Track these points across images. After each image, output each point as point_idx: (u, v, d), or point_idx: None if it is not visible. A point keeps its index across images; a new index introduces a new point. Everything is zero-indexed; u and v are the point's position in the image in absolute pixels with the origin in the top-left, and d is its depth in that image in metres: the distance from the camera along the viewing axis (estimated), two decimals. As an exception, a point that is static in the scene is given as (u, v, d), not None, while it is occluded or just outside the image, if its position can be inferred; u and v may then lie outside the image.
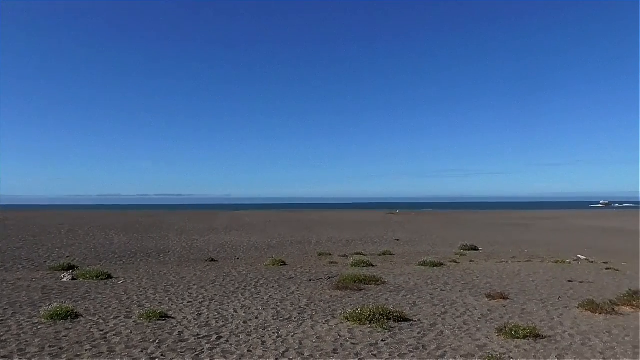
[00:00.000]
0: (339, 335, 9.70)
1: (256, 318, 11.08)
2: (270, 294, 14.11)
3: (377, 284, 15.78)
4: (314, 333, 9.86)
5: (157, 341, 9.08)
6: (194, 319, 10.90)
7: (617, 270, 20.45)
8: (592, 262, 23.78)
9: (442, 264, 21.12)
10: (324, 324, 10.62)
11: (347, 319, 10.73)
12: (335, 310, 11.92)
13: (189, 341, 9.15)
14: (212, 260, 23.42)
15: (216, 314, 11.48)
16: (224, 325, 10.36)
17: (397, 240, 38.15)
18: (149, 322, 10.50)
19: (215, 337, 9.47)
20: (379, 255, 26.24)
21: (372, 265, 20.78)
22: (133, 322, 10.55)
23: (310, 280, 16.60)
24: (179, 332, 9.79)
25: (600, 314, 11.67)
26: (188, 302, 12.75)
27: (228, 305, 12.41)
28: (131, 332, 9.67)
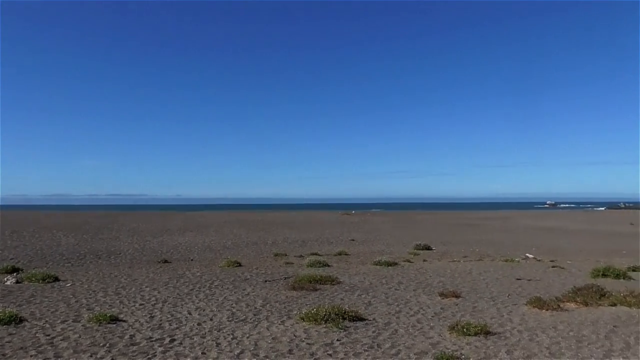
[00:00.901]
0: (294, 335, 9.69)
1: (211, 320, 10.94)
2: (225, 295, 13.96)
3: (333, 284, 15.87)
4: (269, 334, 9.81)
5: (108, 345, 8.83)
6: (146, 322, 10.65)
7: (562, 268, 21.28)
8: (539, 260, 24.66)
9: (396, 264, 21.43)
10: (279, 324, 10.59)
11: (303, 319, 10.74)
12: (291, 311, 11.91)
13: (141, 344, 8.94)
14: (166, 261, 22.96)
15: (169, 316, 11.26)
16: (177, 328, 10.17)
17: (353, 240, 38.46)
18: (99, 325, 10.19)
19: (168, 339, 9.28)
20: (335, 255, 26.39)
21: (328, 266, 20.87)
22: (82, 326, 10.21)
23: (266, 281, 16.53)
24: (130, 335, 9.55)
25: (546, 310, 12.12)
26: (140, 305, 12.45)
27: (182, 307, 12.20)
28: (80, 337, 9.36)
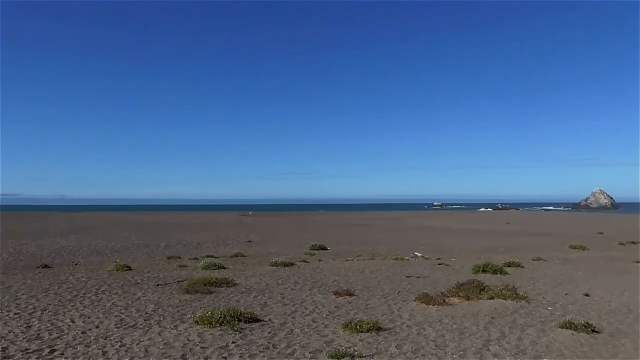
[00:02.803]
0: (188, 340, 9.41)
1: (97, 327, 10.30)
2: (113, 300, 13.21)
3: (229, 286, 15.64)
4: (161, 339, 9.44)
5: (-24, 360, 8.00)
6: (22, 332, 9.79)
7: (447, 265, 22.66)
8: (427, 258, 26.06)
9: (292, 264, 21.59)
10: (172, 329, 10.23)
11: (197, 323, 10.46)
12: (185, 315, 11.55)
13: (16, 357, 8.20)
14: (46, 266, 21.26)
15: (49, 325, 10.44)
16: (58, 337, 9.46)
17: (250, 241, 38.19)
18: (-34, 339, 9.20)
19: (47, 350, 8.60)
20: (231, 257, 26.01)
21: (224, 268, 20.53)
22: (-56, 340, 9.16)
23: (158, 285, 15.89)
24: (2, 347, 8.72)
25: (433, 305, 12.84)
26: (15, 314, 11.42)
27: (64, 315, 11.36)
28: (-58, 352, 8.39)
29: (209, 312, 10.70)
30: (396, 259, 24.84)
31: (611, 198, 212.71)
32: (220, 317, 10.38)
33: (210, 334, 9.81)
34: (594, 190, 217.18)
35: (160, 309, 12.18)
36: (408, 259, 24.92)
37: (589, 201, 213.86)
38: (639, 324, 11.34)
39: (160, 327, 10.41)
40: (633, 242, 38.77)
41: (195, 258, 25.06)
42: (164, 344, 9.15)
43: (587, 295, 15.14)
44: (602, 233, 51.32)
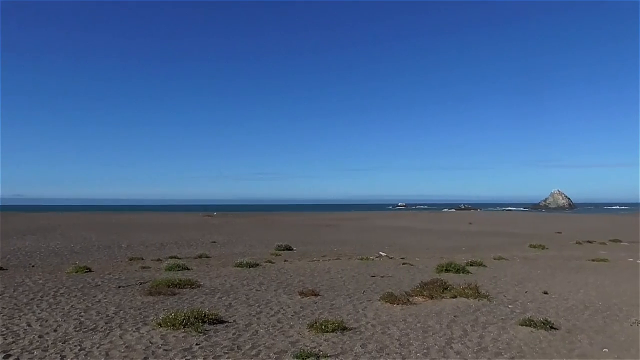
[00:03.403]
0: (150, 342, 9.23)
1: (55, 331, 9.99)
2: (72, 303, 12.84)
3: (193, 288, 15.43)
4: (122, 342, 9.23)
5: None
6: (-25, 338, 9.41)
7: (411, 264, 22.94)
8: (391, 258, 26.31)
9: (257, 265, 21.46)
10: (134, 331, 10.01)
11: (160, 325, 10.27)
12: (147, 317, 11.33)
13: (-32, 363, 7.88)
14: (0, 269, 20.53)
15: (4, 329, 10.06)
16: (14, 342, 9.12)
17: (214, 242, 37.78)
18: None
19: (2, 355, 8.28)
20: (195, 258, 25.67)
21: (188, 269, 20.24)
22: None
23: (119, 287, 15.54)
24: (-46, 354, 8.37)
25: (397, 304, 12.97)
26: (-32, 319, 10.98)
27: (20, 319, 10.97)
28: None
29: (173, 314, 10.52)
30: (361, 259, 25.00)
31: (569, 199, 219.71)
32: (184, 319, 10.22)
33: (174, 336, 9.65)
34: (552, 191, 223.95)
35: (121, 312, 11.91)
36: (373, 259, 25.11)
37: (547, 202, 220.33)
38: (595, 321, 11.72)
39: (121, 329, 10.18)
40: (589, 242, 40.10)
41: (159, 259, 24.63)
42: (126, 347, 8.95)
43: (545, 293, 15.57)
44: (560, 233, 52.90)
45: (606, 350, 9.20)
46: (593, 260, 25.78)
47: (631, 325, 10.98)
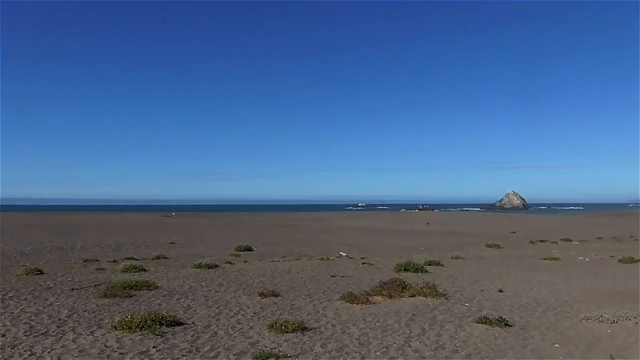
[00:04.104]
0: (105, 346, 8.98)
1: (2, 336, 9.58)
2: (22, 307, 12.35)
3: (150, 289, 15.11)
4: (75, 346, 8.94)
5: None
6: None
7: (371, 264, 23.15)
8: (351, 258, 26.49)
9: (217, 266, 21.20)
10: (88, 335, 9.72)
11: (116, 328, 10.01)
12: (102, 320, 11.02)
13: None
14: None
15: (-52, 335, 9.61)
16: (-41, 348, 8.72)
17: (173, 243, 37.14)
18: None
19: (-54, 363, 7.91)
20: (153, 259, 25.15)
21: (145, 270, 19.80)
22: None
23: (72, 290, 15.06)
24: None
25: (357, 304, 13.05)
26: None
27: (-35, 324, 10.49)
28: None
29: (129, 317, 10.25)
30: (322, 259, 25.06)
31: (523, 199, 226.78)
32: (141, 322, 9.98)
33: (130, 339, 9.42)
34: (507, 192, 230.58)
35: (75, 315, 11.55)
36: (333, 259, 25.21)
37: (503, 202, 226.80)
38: (547, 317, 12.12)
39: (74, 333, 9.86)
40: (542, 241, 41.46)
41: (114, 260, 24.01)
42: (79, 351, 8.68)
43: (500, 291, 16.00)
44: (514, 232, 54.48)
45: (557, 345, 9.51)
46: (545, 259, 26.67)
47: (580, 322, 11.39)
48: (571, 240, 42.27)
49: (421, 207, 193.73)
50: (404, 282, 15.02)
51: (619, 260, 25.44)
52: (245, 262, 24.11)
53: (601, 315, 11.22)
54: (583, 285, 17.49)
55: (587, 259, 27.22)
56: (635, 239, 45.63)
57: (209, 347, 9.08)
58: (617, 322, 10.93)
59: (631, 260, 24.79)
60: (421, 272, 19.97)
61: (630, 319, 11.06)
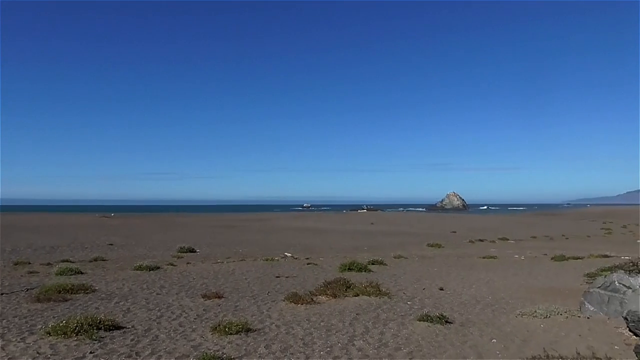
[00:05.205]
0: (37, 352, 8.54)
1: None
2: (-55, 313, 11.59)
3: (87, 293, 14.53)
4: (5, 354, 8.46)
5: None
6: None
7: (316, 264, 23.23)
8: (296, 258, 26.49)
9: (158, 268, 20.67)
10: (19, 342, 9.21)
11: (49, 334, 9.54)
12: (35, 326, 10.48)
13: None
14: None
15: None
16: None
17: (111, 244, 35.89)
18: None
19: None
20: (90, 261, 24.22)
21: (82, 273, 19.04)
22: None
23: (1, 294, 14.26)
24: None
25: (302, 304, 13.06)
26: None
27: None
28: None
29: (64, 322, 9.80)
30: (266, 259, 24.93)
31: (463, 200, 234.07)
32: (77, 326, 9.56)
33: (65, 345, 9.01)
34: (448, 193, 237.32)
35: (4, 321, 10.92)
36: (278, 260, 25.14)
37: (444, 203, 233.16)
38: (485, 314, 12.55)
39: (3, 340, 9.33)
40: (480, 240, 42.99)
41: (48, 263, 22.94)
42: (9, 358, 8.23)
43: (441, 289, 16.44)
44: (455, 232, 56.16)
45: (495, 340, 9.86)
46: (484, 258, 27.64)
47: (516, 317, 11.85)
48: (508, 240, 44.04)
49: (365, 208, 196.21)
50: (348, 282, 15.16)
51: (552, 258, 26.73)
52: (188, 263, 23.64)
53: (535, 311, 11.72)
54: (519, 283, 18.23)
55: (523, 257, 28.42)
56: (567, 238, 48.11)
57: (150, 351, 8.82)
58: (549, 317, 11.45)
59: (562, 258, 26.10)
60: (365, 271, 20.24)
61: (561, 314, 11.61)
